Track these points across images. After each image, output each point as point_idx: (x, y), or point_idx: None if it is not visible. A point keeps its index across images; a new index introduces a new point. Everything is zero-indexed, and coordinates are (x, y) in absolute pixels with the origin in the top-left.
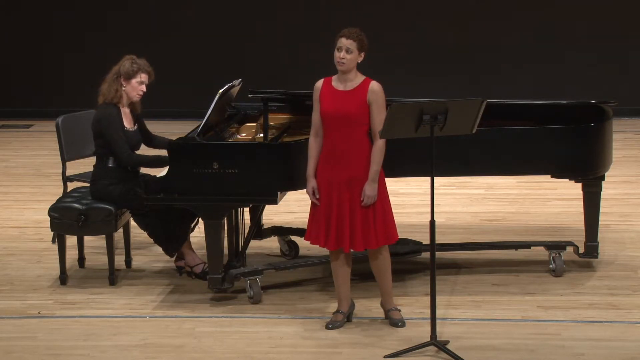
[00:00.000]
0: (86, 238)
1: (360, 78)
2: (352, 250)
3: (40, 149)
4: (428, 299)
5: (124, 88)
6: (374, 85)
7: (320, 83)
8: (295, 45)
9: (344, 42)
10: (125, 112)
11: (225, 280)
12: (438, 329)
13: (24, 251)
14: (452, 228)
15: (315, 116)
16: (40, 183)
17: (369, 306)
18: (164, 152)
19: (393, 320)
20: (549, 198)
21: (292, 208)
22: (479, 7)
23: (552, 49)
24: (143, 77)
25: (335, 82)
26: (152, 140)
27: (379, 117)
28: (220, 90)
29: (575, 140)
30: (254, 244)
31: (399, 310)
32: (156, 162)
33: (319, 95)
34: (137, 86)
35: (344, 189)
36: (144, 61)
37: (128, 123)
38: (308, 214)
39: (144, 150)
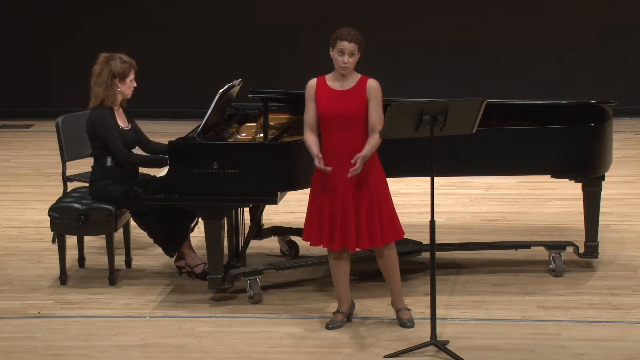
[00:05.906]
0: (86, 238)
1: (356, 76)
2: (356, 249)
3: (40, 149)
4: (428, 299)
5: (119, 89)
6: (372, 82)
7: (314, 82)
8: (295, 45)
9: (346, 45)
10: (119, 112)
11: (225, 280)
12: (438, 329)
13: (24, 251)
14: (452, 228)
15: (310, 114)
16: (40, 183)
17: (369, 306)
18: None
19: (401, 320)
20: (549, 198)
21: (292, 208)
22: (479, 7)
23: (552, 48)
24: (133, 73)
25: (331, 82)
26: (149, 145)
27: (375, 112)
28: (220, 90)
29: (575, 141)
30: (254, 244)
31: (409, 310)
32: (154, 161)
33: (314, 94)
34: (130, 84)
35: (347, 188)
36: (126, 56)
37: (122, 122)
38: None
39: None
